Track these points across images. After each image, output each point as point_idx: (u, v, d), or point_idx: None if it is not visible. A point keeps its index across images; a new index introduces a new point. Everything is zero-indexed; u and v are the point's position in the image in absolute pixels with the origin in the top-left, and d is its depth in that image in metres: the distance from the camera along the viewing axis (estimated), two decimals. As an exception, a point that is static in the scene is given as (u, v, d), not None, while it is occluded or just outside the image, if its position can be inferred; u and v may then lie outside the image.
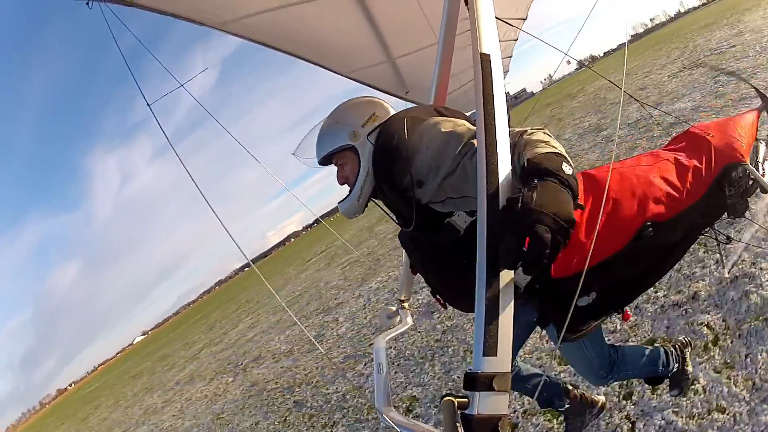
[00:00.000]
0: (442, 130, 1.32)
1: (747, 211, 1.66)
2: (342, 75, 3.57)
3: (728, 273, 3.00)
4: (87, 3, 1.21)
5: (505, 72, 5.49)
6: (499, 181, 1.05)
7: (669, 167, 1.52)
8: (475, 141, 1.22)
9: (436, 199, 1.35)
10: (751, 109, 1.93)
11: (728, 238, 2.03)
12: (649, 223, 1.40)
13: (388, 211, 1.53)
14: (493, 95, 1.12)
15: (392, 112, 1.52)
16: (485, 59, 1.15)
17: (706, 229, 1.70)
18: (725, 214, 1.63)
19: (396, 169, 1.35)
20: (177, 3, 1.66)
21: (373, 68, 3.57)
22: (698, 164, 1.52)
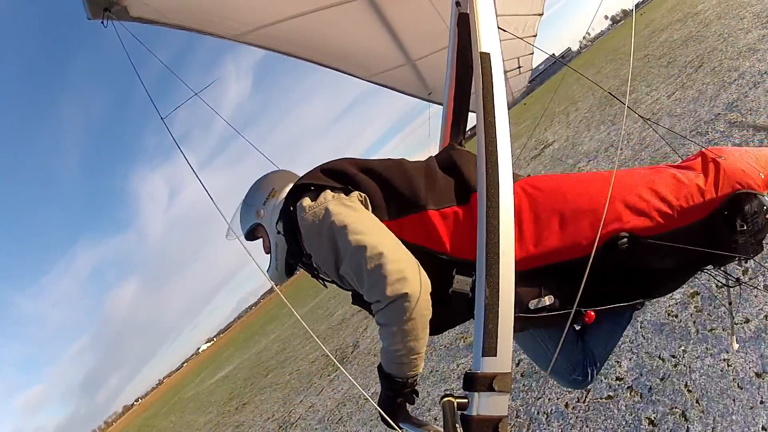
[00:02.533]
0: (316, 240, 1.29)
1: (759, 254, 1.43)
2: (363, 79, 3.61)
3: (737, 345, 2.49)
4: (102, 22, 1.26)
5: (529, 70, 5.39)
6: (499, 181, 1.05)
7: (664, 181, 1.36)
8: (339, 219, 1.23)
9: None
10: None
11: (737, 280, 1.74)
12: (625, 234, 1.27)
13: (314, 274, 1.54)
14: (493, 95, 1.12)
15: (292, 180, 1.57)
16: (485, 58, 1.15)
17: (706, 267, 1.51)
18: (734, 255, 1.42)
19: (295, 241, 1.41)
20: (193, 18, 1.73)
21: (394, 71, 3.59)
22: (701, 185, 1.34)
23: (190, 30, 1.75)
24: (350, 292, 1.43)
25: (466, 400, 0.94)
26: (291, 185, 1.49)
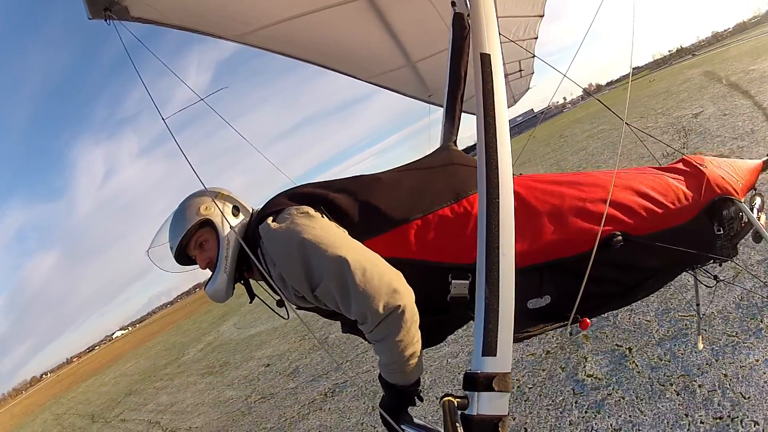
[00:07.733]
0: (286, 257, 1.21)
1: (735, 257, 1.52)
2: (363, 80, 3.60)
3: (702, 345, 2.65)
4: (105, 20, 1.26)
5: (531, 74, 5.38)
6: (499, 181, 1.05)
7: (654, 184, 1.41)
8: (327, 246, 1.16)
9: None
10: (756, 159, 1.72)
11: (716, 277, 1.84)
12: (618, 233, 1.29)
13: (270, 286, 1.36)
14: (493, 95, 1.12)
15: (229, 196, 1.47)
16: (485, 59, 1.15)
17: (691, 269, 1.57)
18: (712, 257, 1.49)
19: (255, 257, 1.29)
20: (194, 19, 1.73)
21: (394, 72, 3.58)
22: (687, 189, 1.41)
23: (191, 30, 1.75)
24: (339, 321, 1.37)
25: (466, 400, 0.94)
26: (243, 202, 1.44)
